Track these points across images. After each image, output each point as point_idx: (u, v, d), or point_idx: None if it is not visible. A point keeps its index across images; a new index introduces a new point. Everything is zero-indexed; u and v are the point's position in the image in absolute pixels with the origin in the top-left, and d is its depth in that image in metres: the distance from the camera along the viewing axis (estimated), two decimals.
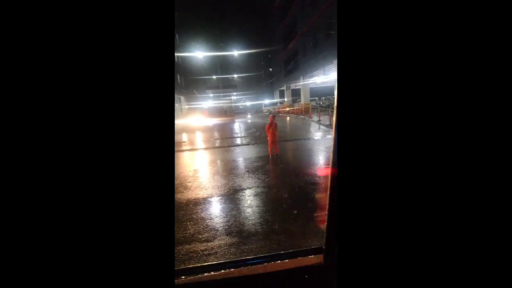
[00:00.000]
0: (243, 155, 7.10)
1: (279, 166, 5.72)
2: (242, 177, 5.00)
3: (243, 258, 0.90)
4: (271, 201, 3.80)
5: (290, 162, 6.10)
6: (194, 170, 5.89)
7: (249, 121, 19.01)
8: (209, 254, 2.56)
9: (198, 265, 0.88)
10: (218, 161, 6.63)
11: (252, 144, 8.71)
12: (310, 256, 0.85)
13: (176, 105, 27.41)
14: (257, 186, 4.40)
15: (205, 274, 0.81)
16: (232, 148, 8.41)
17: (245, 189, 4.31)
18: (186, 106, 30.64)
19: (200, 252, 2.61)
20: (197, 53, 28.26)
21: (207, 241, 2.81)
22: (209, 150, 8.40)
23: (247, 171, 5.41)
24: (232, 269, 0.82)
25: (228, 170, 5.65)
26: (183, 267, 0.85)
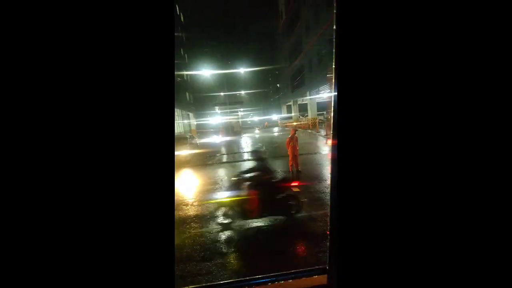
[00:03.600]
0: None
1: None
2: None
3: (247, 278, 0.88)
4: None
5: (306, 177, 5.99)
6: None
7: (257, 136, 19.12)
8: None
9: (203, 285, 0.86)
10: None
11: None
12: (314, 277, 0.83)
13: (185, 121, 28.06)
14: None
15: None
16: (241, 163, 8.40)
17: None
18: (195, 122, 31.26)
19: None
20: (206, 71, 29.17)
21: None
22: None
23: None
24: None
25: None
26: (188, 287, 0.84)
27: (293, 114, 26.35)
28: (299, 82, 22.54)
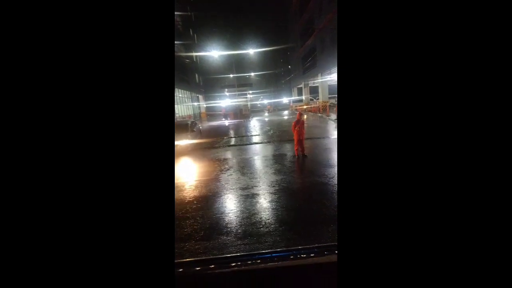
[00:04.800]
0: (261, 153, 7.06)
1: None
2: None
3: (254, 252, 0.89)
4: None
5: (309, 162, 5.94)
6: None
7: (266, 119, 18.93)
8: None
9: (210, 257, 0.88)
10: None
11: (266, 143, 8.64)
12: (324, 256, 0.83)
13: (194, 104, 28.09)
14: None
15: (216, 266, 0.81)
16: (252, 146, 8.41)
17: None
18: (204, 105, 31.24)
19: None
20: (215, 53, 28.53)
21: None
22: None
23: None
24: (244, 263, 0.82)
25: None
26: (192, 259, 0.86)
27: (303, 97, 25.76)
28: (311, 63, 21.80)
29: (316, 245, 0.87)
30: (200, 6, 29.91)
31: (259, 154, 6.97)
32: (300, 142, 6.18)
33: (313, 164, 5.52)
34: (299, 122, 6.15)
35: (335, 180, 4.31)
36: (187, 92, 25.09)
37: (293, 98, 30.01)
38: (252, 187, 4.35)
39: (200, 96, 30.42)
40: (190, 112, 25.14)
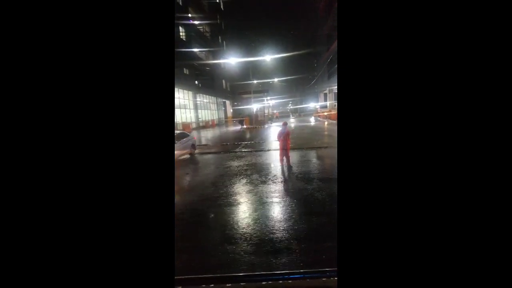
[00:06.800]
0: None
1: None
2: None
3: (256, 273, 0.90)
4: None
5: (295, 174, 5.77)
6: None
7: (292, 125, 18.46)
8: None
9: (209, 276, 0.88)
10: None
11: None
12: (324, 279, 0.83)
13: (222, 108, 28.92)
14: None
15: (215, 285, 0.80)
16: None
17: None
18: (231, 110, 32.01)
19: None
20: (233, 59, 28.75)
21: None
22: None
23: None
24: (243, 283, 0.82)
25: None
26: (190, 276, 0.87)
27: (328, 102, 24.80)
28: (335, 69, 20.94)
29: (319, 269, 0.85)
30: (230, 15, 30.96)
31: (244, 163, 6.93)
32: (285, 152, 6.03)
33: (291, 176, 5.32)
34: (284, 132, 6.03)
35: (302, 195, 4.11)
36: (213, 97, 25.97)
37: (319, 103, 29.14)
38: (206, 199, 4.26)
39: (227, 102, 31.27)
40: (215, 117, 25.95)
